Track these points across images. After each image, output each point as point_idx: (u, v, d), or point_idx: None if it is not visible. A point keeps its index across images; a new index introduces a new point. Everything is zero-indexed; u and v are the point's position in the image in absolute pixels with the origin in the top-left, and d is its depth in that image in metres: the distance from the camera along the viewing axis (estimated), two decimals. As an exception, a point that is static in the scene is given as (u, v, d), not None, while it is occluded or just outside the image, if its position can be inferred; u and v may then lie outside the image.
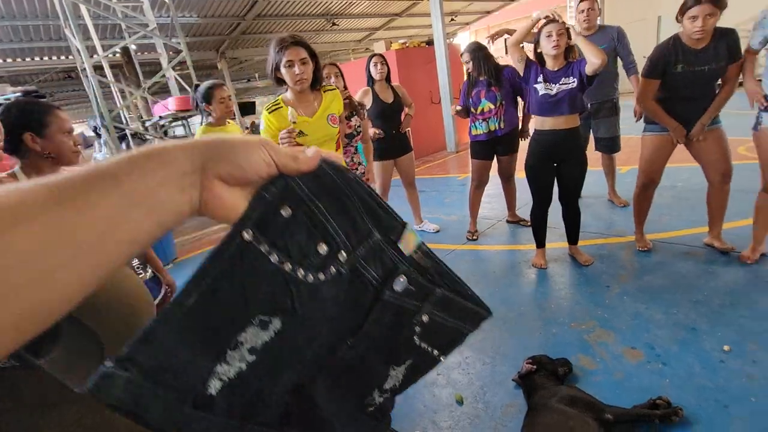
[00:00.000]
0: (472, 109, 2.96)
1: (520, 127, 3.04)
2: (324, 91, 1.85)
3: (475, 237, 3.28)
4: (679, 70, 2.14)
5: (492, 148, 3.01)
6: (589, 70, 2.06)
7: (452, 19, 12.18)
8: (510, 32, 2.56)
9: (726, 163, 2.25)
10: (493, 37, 2.87)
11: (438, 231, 3.54)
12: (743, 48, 2.10)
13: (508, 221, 3.50)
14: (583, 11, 2.95)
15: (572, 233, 2.58)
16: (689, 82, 2.15)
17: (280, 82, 1.76)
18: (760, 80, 2.06)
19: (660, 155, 2.38)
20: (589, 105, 3.06)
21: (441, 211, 4.13)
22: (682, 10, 2.06)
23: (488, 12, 12.85)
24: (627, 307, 2.10)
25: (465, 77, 3.07)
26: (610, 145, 3.23)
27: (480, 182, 3.17)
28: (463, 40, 15.64)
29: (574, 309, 2.18)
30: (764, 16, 1.96)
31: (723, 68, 2.09)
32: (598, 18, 3.04)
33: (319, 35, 10.46)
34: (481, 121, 2.92)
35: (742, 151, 3.98)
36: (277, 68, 1.70)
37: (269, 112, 1.77)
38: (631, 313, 2.04)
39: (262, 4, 7.79)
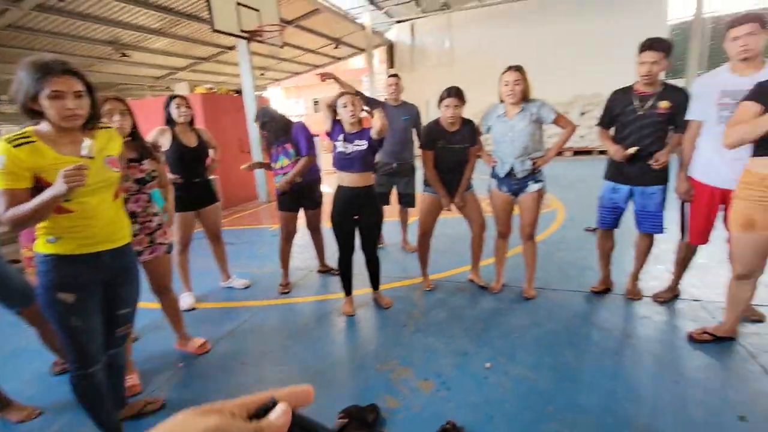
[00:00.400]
0: (272, 164, 3.08)
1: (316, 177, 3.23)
2: (97, 129, 1.57)
3: (287, 290, 3.24)
4: (441, 146, 2.77)
5: (296, 200, 3.13)
6: (373, 133, 2.47)
7: (262, 74, 12.48)
8: (338, 80, 2.82)
9: (480, 217, 2.96)
10: (323, 77, 3.12)
11: (248, 286, 3.34)
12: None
13: (318, 271, 3.61)
14: (391, 85, 3.60)
15: (374, 279, 2.86)
16: (447, 156, 2.80)
17: (34, 114, 1.41)
18: (490, 153, 2.82)
19: (433, 211, 2.96)
20: (395, 165, 3.61)
21: (253, 264, 3.94)
22: (440, 100, 2.72)
23: (297, 73, 13.73)
24: (419, 342, 2.42)
25: None
26: (408, 200, 3.83)
27: (288, 233, 3.21)
28: (274, 94, 16.16)
29: (379, 351, 2.37)
30: (489, 111, 2.76)
31: (468, 148, 2.81)
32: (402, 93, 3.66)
33: (106, 64, 8.99)
34: (281, 175, 3.05)
35: (485, 207, 5.29)
36: (33, 98, 1.36)
37: (15, 147, 1.37)
38: (423, 347, 2.36)
39: (18, 13, 6.22)
